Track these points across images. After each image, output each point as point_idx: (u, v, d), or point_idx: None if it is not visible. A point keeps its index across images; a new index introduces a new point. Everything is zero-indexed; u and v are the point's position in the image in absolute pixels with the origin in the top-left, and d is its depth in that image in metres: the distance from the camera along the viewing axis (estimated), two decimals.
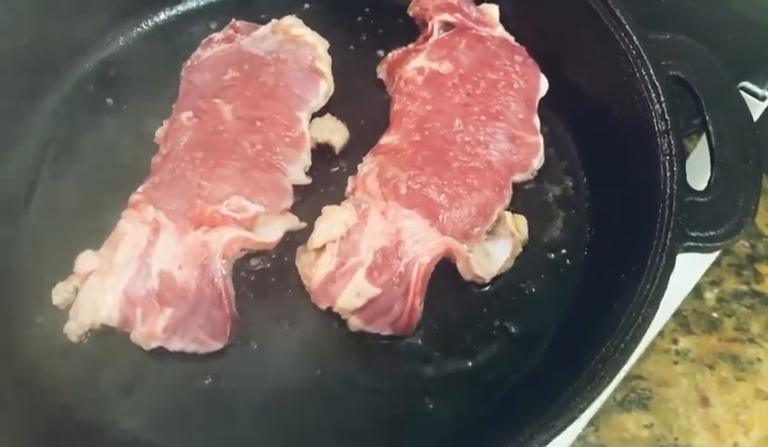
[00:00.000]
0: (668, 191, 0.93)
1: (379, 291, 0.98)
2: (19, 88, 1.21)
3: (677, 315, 1.23)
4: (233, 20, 1.31)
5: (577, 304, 1.03)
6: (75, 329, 0.99)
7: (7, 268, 1.08)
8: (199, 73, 1.23)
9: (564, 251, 1.09)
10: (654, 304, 0.83)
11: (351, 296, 0.98)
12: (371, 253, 1.00)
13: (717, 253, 1.28)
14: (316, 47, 1.24)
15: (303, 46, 1.24)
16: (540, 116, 1.20)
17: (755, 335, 1.21)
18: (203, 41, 1.27)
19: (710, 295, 1.26)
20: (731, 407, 1.16)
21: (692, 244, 0.89)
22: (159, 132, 1.18)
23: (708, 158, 0.97)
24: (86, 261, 1.01)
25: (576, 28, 1.17)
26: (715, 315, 1.24)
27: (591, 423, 1.13)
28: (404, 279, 0.99)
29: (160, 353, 0.99)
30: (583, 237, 1.10)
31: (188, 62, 1.25)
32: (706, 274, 1.27)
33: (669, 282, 0.86)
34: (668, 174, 0.94)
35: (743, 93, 1.08)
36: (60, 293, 1.02)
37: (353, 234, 1.02)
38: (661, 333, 1.21)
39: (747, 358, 1.20)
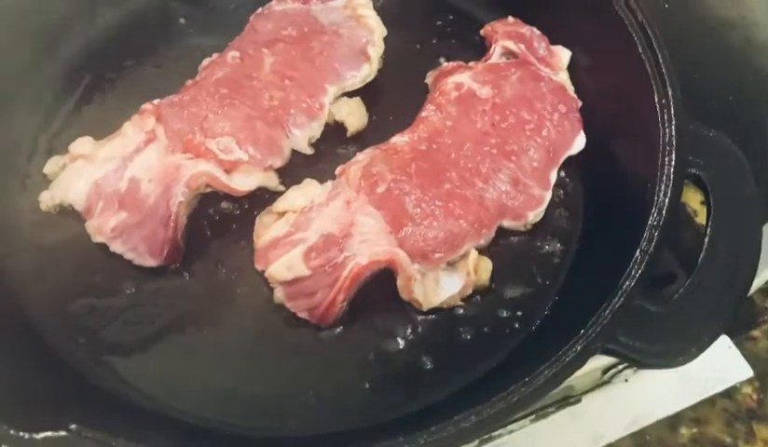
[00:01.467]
0: (622, 287, 0.84)
1: (308, 273, 0.97)
2: None
3: (638, 435, 1.10)
4: None
5: (502, 366, 0.95)
6: (47, 199, 1.07)
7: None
8: (264, 21, 1.27)
9: (519, 314, 1.02)
10: (535, 395, 0.75)
11: (282, 267, 0.98)
12: (317, 235, 0.99)
13: (715, 391, 1.13)
14: (373, 31, 1.23)
15: (362, 26, 1.24)
16: (566, 176, 1.13)
17: None
18: None
19: (686, 432, 1.12)
20: None
21: (612, 347, 0.79)
22: (205, 62, 1.23)
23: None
24: (81, 145, 1.08)
25: (631, 97, 1.08)
26: None
27: None
28: (335, 271, 0.97)
29: (105, 251, 1.04)
30: (542, 310, 1.02)
31: (260, 10, 1.30)
32: (693, 408, 1.12)
33: (570, 379, 0.77)
34: (632, 271, 0.85)
35: None
36: (52, 164, 1.10)
37: (312, 211, 1.02)
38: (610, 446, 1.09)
39: None
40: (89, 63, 1.26)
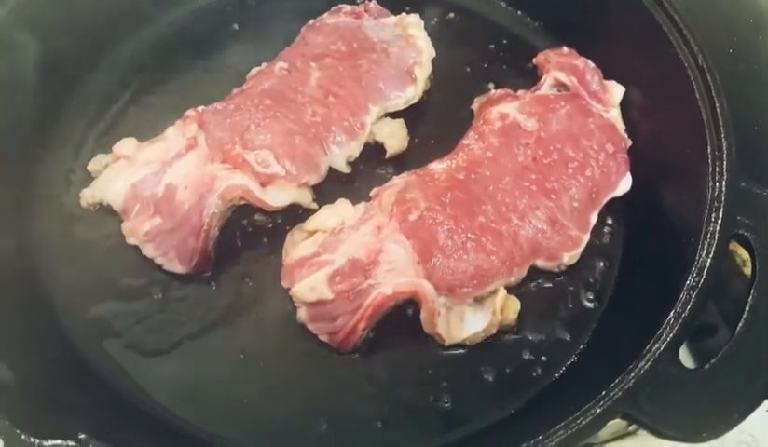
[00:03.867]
0: (651, 350, 0.80)
1: (331, 297, 0.96)
2: None
3: None
4: (374, 0, 1.32)
5: (518, 416, 0.92)
6: (87, 196, 1.09)
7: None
8: (315, 34, 1.27)
9: (544, 359, 0.99)
10: None
11: (306, 288, 0.97)
12: (344, 258, 0.98)
13: None
14: (422, 53, 1.22)
15: (411, 47, 1.23)
16: (606, 219, 1.10)
17: None
18: (333, 8, 1.30)
19: None
20: None
21: (633, 414, 0.76)
22: (253, 71, 1.23)
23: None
24: (124, 146, 1.10)
25: (683, 144, 1.03)
26: None
27: None
28: (358, 297, 0.96)
29: (137, 253, 1.05)
30: (568, 358, 0.98)
31: (311, 22, 1.29)
32: None
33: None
34: (663, 333, 0.81)
35: None
36: (96, 163, 1.12)
37: (342, 233, 1.01)
38: None
39: None
40: (142, 64, 1.28)
